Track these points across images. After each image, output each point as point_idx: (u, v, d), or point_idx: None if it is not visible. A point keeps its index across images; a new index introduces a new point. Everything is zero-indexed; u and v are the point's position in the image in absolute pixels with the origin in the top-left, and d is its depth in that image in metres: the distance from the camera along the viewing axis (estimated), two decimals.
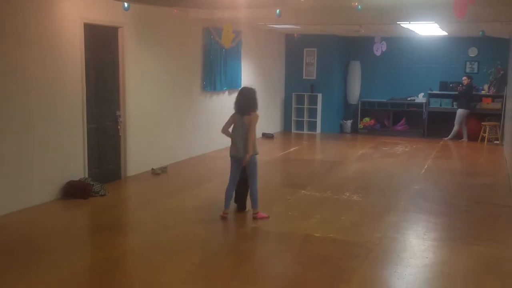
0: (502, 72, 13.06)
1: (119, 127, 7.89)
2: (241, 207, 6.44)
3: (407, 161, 10.26)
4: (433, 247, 5.30)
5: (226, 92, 11.22)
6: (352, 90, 14.78)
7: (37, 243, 5.23)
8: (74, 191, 6.82)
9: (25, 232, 5.57)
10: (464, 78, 12.88)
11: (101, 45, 7.59)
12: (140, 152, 8.37)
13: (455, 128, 13.08)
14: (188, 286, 4.28)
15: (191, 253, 5.05)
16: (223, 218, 6.08)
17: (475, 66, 13.71)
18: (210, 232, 5.78)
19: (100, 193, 6.94)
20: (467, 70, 13.68)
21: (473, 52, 13.67)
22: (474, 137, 12.98)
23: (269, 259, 4.98)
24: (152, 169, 8.59)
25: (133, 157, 8.23)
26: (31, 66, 6.34)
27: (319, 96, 14.17)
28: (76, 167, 7.12)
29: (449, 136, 13.17)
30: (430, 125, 13.80)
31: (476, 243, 5.40)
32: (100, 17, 7.44)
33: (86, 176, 7.21)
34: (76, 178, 7.01)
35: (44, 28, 6.51)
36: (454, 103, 13.28)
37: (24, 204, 6.30)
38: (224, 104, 11.13)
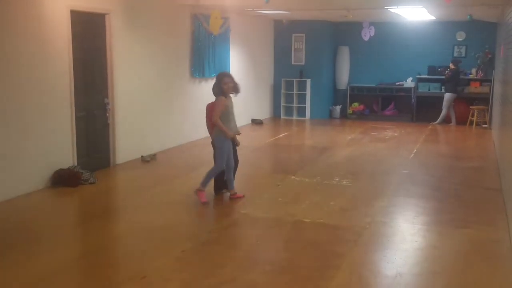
0: (490, 56, 13.10)
1: (107, 115, 7.84)
2: (219, 189, 6.58)
3: (396, 146, 10.31)
4: (423, 231, 5.35)
5: (215, 79, 11.16)
6: (341, 76, 14.78)
7: (26, 231, 5.21)
8: (63, 180, 6.79)
9: (15, 220, 5.54)
10: (451, 64, 12.91)
11: (88, 32, 7.50)
12: (129, 140, 8.33)
13: (443, 112, 13.14)
14: (178, 273, 4.28)
15: (180, 241, 5.04)
16: (238, 197, 6.28)
17: (463, 50, 13.74)
18: (199, 219, 5.79)
19: (89, 181, 6.91)
20: (455, 54, 13.71)
21: (461, 36, 13.69)
22: (462, 121, 13.06)
23: (259, 245, 5.00)
24: (142, 156, 8.56)
25: (122, 145, 8.19)
26: (17, 54, 6.26)
27: (308, 81, 14.16)
28: (65, 155, 7.08)
29: (437, 121, 13.23)
30: (419, 109, 13.85)
31: (465, 226, 5.45)
32: (86, 4, 7.34)
33: (75, 164, 7.17)
34: (65, 167, 6.97)
35: (31, 16, 6.42)
36: (442, 87, 13.32)
37: (14, 193, 6.27)
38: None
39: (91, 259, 4.64)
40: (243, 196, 6.40)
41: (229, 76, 6.33)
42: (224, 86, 6.14)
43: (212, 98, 6.37)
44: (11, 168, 6.27)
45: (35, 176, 6.62)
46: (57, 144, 6.94)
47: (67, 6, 6.94)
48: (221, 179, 6.50)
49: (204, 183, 6.25)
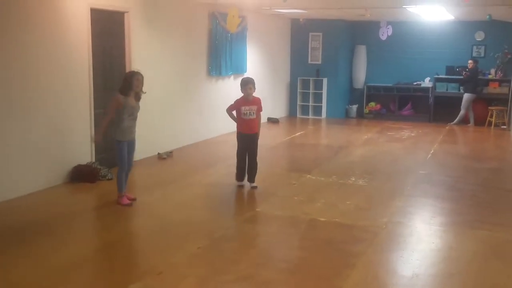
0: (509, 56, 12.96)
1: None
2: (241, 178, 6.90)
3: (413, 146, 10.25)
4: (439, 232, 5.32)
5: (232, 77, 11.20)
6: (358, 75, 14.72)
7: (45, 226, 5.28)
8: (81, 175, 6.88)
9: (33, 214, 5.62)
10: (470, 62, 12.79)
11: (108, 30, 7.58)
12: (146, 137, 8.38)
13: (462, 112, 13.01)
14: (194, 269, 4.31)
15: (196, 237, 5.08)
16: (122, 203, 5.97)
17: (482, 50, 13.60)
18: (215, 216, 5.81)
19: (107, 177, 6.98)
20: (474, 54, 13.58)
21: (480, 36, 13.55)
22: (481, 121, 12.93)
23: (274, 243, 5.01)
24: (158, 153, 8.62)
25: (139, 142, 8.18)
26: (38, 51, 6.34)
27: (325, 80, 14.12)
28: (84, 151, 7.16)
29: (455, 121, 13.11)
30: (436, 109, 13.74)
31: (482, 228, 5.41)
32: (106, 2, 7.41)
33: (94, 160, 7.25)
34: (84, 162, 7.05)
35: (51, 14, 6.50)
36: (461, 87, 13.20)
37: (33, 188, 6.36)
38: (230, 89, 11.12)
39: (108, 254, 4.69)
40: (129, 203, 6.00)
41: (142, 76, 5.97)
42: (136, 82, 5.83)
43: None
44: (31, 164, 6.35)
45: (54, 172, 6.71)
46: (76, 140, 7.02)
47: (87, 4, 7.02)
48: (243, 169, 6.79)
49: (119, 187, 6.03)
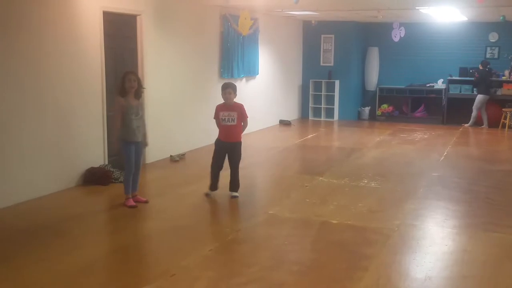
0: None
1: None
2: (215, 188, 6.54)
3: (426, 148, 10.18)
4: (453, 234, 5.28)
5: (244, 79, 11.22)
6: (370, 77, 14.67)
7: (57, 228, 5.32)
8: (94, 178, 6.92)
9: (46, 217, 5.67)
10: (481, 64, 12.69)
11: (120, 33, 7.63)
12: (158, 139, 8.43)
13: (474, 113, 12.90)
14: (206, 271, 4.32)
15: (208, 239, 5.09)
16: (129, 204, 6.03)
17: (496, 51, 13.50)
18: (226, 219, 5.82)
19: (120, 179, 7.01)
20: (488, 55, 13.48)
21: (493, 37, 13.45)
22: (494, 123, 12.82)
23: (286, 246, 5.00)
24: (171, 156, 8.65)
25: (152, 144, 8.24)
26: (51, 54, 6.40)
27: (337, 82, 14.09)
28: (96, 154, 7.21)
29: (469, 123, 13.01)
30: (450, 111, 13.64)
31: (496, 230, 5.36)
32: (118, 5, 7.47)
33: (106, 163, 7.29)
34: (96, 165, 7.10)
35: (64, 16, 6.56)
36: (474, 89, 13.10)
37: (46, 190, 6.41)
38: (242, 91, 11.13)
39: (120, 256, 4.71)
40: (134, 205, 6.04)
41: (134, 74, 6.00)
42: (127, 84, 5.81)
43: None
44: (44, 166, 6.41)
45: (67, 174, 6.76)
46: (88, 143, 7.07)
47: (100, 7, 7.07)
48: (214, 179, 6.47)
49: (126, 189, 6.08)
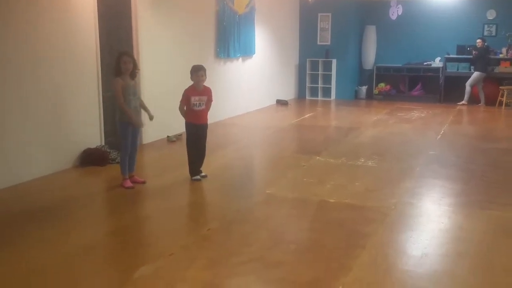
0: None
1: None
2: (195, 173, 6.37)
3: (423, 127, 10.20)
4: (449, 212, 5.31)
5: (240, 59, 11.16)
6: (367, 56, 14.62)
7: (56, 209, 5.33)
8: (91, 159, 6.92)
9: (44, 198, 5.68)
10: (478, 41, 12.64)
11: (114, 12, 7.56)
12: (155, 120, 8.34)
13: (467, 89, 12.87)
14: (205, 251, 4.34)
15: (206, 219, 5.11)
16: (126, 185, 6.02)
17: (493, 29, 13.44)
18: (224, 199, 5.84)
19: (116, 160, 7.01)
20: (485, 33, 13.42)
21: (491, 14, 13.38)
22: (491, 101, 12.82)
23: (284, 225, 5.03)
24: (167, 136, 8.64)
25: (149, 125, 8.25)
26: (45, 34, 6.34)
27: (334, 62, 14.04)
28: (93, 135, 7.20)
29: (464, 100, 12.98)
30: (447, 90, 13.64)
31: (492, 208, 5.39)
32: None
33: (103, 143, 7.29)
34: (93, 146, 7.09)
35: None
36: (472, 67, 13.07)
37: (43, 171, 6.41)
38: (238, 71, 11.10)
39: (119, 237, 4.73)
40: (131, 186, 6.02)
41: (129, 55, 5.92)
42: (123, 66, 5.77)
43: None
44: (41, 147, 6.40)
45: (63, 155, 6.75)
46: (85, 123, 7.05)
47: None
48: (197, 163, 6.35)
49: (123, 170, 6.08)
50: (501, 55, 13.10)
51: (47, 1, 6.32)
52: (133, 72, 5.93)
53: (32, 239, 4.56)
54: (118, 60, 5.83)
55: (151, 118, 6.27)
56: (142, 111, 6.27)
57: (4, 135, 5.91)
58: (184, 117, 6.28)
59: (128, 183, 6.04)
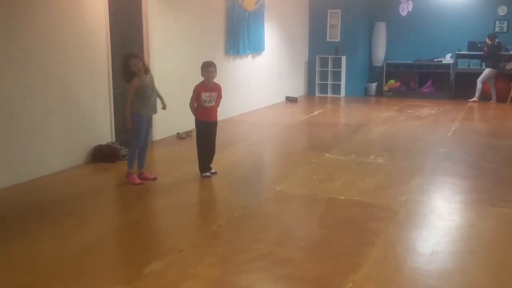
0: None
1: None
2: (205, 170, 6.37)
3: (433, 124, 10.14)
4: (460, 210, 5.28)
5: (250, 56, 11.16)
6: (377, 52, 14.55)
7: (67, 205, 5.37)
8: (102, 155, 6.96)
9: (56, 194, 5.72)
10: (488, 38, 12.55)
11: (125, 10, 7.58)
12: (165, 117, 8.41)
13: (478, 86, 12.78)
14: (214, 247, 4.36)
15: (216, 216, 5.12)
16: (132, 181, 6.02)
17: (505, 25, 13.33)
18: (234, 195, 5.85)
19: (127, 157, 7.03)
20: (497, 29, 13.31)
21: (502, 10, 13.27)
22: (503, 98, 12.72)
23: (293, 222, 5.03)
24: (177, 133, 8.67)
25: (158, 122, 8.29)
26: (56, 32, 6.37)
27: (343, 58, 13.99)
28: (103, 131, 7.23)
29: (475, 96, 12.89)
30: (458, 86, 13.55)
31: (503, 205, 5.36)
32: None
33: (114, 140, 7.32)
34: (104, 142, 7.13)
35: None
36: (483, 63, 12.97)
37: (54, 168, 6.46)
38: (248, 68, 11.10)
39: (129, 233, 4.76)
40: (140, 182, 6.03)
41: (135, 56, 5.92)
42: (134, 68, 5.78)
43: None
44: (52, 144, 6.44)
45: (74, 152, 6.79)
46: (96, 120, 7.09)
47: None
48: (206, 160, 6.35)
49: (129, 164, 6.10)
50: None
51: (60, 1, 6.36)
52: (145, 67, 5.95)
53: (43, 233, 4.60)
54: (126, 63, 5.82)
55: (164, 107, 6.29)
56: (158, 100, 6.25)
57: (17, 133, 5.96)
58: (194, 115, 6.29)
59: (135, 179, 6.05)
